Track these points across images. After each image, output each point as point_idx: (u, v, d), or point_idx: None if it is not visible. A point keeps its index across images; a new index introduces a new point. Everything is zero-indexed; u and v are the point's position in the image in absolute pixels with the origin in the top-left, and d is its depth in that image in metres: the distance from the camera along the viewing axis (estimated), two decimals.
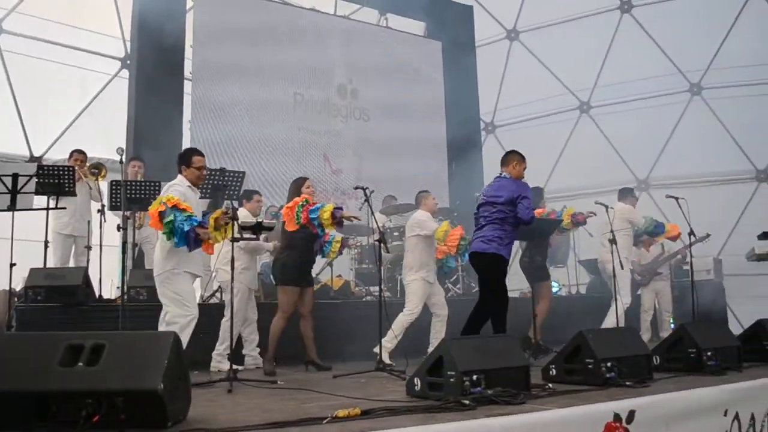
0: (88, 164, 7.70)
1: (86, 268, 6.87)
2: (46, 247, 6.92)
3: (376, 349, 6.36)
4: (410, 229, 7.31)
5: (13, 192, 5.03)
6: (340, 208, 6.15)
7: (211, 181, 7.03)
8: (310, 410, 3.71)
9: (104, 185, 7.61)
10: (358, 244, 9.23)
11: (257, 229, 5.36)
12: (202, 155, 5.70)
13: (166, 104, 9.50)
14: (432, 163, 12.42)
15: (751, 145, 11.99)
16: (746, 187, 12.26)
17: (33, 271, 6.41)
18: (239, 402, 4.20)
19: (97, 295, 6.96)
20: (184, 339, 4.88)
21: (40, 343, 3.28)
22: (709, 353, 5.18)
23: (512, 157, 6.03)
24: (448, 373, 3.93)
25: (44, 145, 10.28)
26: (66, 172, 6.88)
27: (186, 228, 5.01)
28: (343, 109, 11.64)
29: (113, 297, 7.50)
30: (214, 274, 6.98)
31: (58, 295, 6.33)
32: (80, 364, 3.12)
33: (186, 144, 9.79)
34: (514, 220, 5.79)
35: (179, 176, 5.54)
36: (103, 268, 7.35)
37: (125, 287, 5.95)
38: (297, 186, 6.45)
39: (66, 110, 10.38)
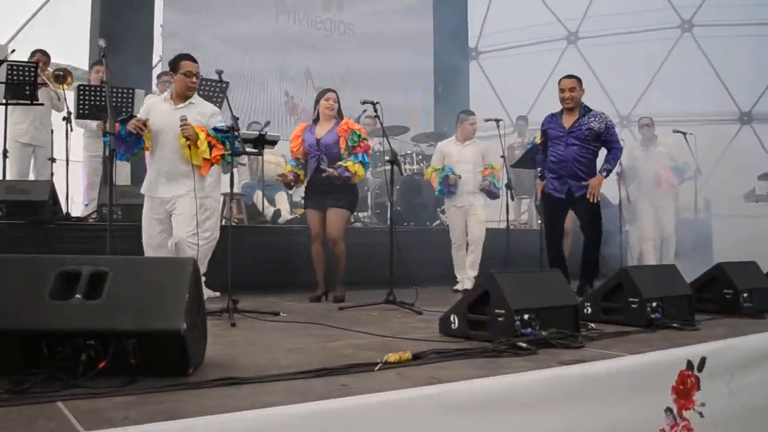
0: (50, 69, 6.90)
1: (52, 182, 6.14)
2: (5, 157, 6.16)
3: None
4: None
5: None
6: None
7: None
8: (341, 351, 3.18)
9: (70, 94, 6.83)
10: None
11: (259, 142, 4.72)
12: (194, 61, 4.99)
13: (135, 7, 8.60)
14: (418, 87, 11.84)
15: None
16: None
17: None
18: (250, 339, 3.63)
19: (64, 212, 6.26)
20: None
21: (24, 268, 2.58)
22: (745, 295, 4.83)
23: None
24: (496, 311, 3.42)
25: None
26: (27, 73, 6.03)
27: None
28: (327, 23, 10.87)
29: (82, 215, 6.79)
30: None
31: (22, 212, 5.63)
32: (77, 296, 2.46)
33: (157, 53, 8.95)
34: None
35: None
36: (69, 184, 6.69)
37: (103, 204, 5.27)
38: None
39: (20, 7, 9.33)
